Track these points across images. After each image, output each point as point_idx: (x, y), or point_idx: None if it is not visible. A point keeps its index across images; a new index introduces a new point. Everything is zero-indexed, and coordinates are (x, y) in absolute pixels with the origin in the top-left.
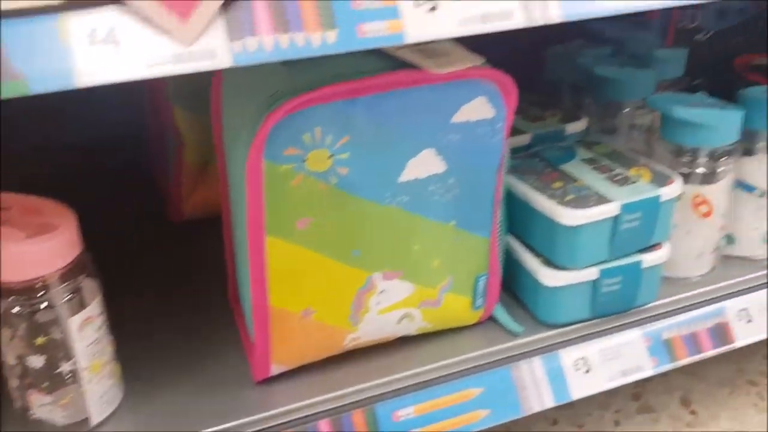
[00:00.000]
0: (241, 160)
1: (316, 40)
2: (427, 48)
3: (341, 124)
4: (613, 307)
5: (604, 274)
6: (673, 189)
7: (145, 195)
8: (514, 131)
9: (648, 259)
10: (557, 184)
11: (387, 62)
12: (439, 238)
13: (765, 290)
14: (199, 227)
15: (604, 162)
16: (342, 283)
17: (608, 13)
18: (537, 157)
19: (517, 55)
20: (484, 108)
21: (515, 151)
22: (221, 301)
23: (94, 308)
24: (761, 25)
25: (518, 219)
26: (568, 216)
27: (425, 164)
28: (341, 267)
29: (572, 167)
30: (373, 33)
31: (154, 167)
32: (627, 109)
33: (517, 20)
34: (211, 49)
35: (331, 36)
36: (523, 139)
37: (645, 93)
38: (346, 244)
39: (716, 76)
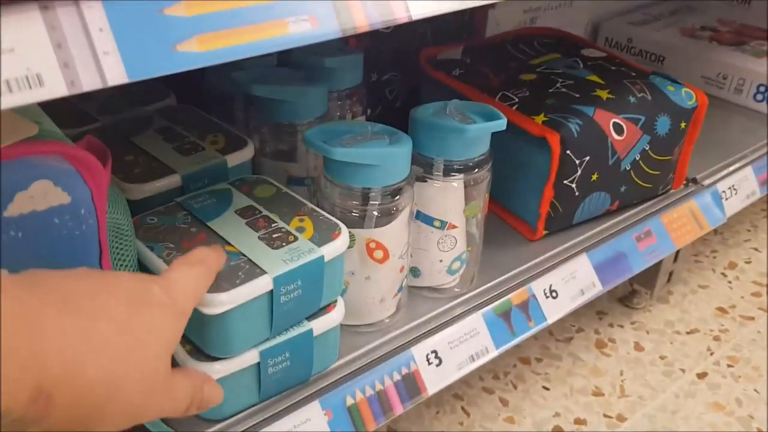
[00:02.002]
0: None
1: None
2: None
3: None
4: (285, 384)
5: (267, 354)
6: (338, 245)
7: None
8: (164, 170)
9: (319, 325)
10: None
11: None
12: None
13: (454, 326)
14: None
15: (262, 212)
16: None
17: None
18: (182, 210)
19: None
20: (52, 193)
21: (165, 196)
22: None
23: None
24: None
25: None
26: (211, 303)
27: None
28: None
29: (223, 224)
30: None
31: None
32: (300, 130)
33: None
34: None
35: None
36: (172, 182)
37: (318, 110)
38: None
39: (404, 72)
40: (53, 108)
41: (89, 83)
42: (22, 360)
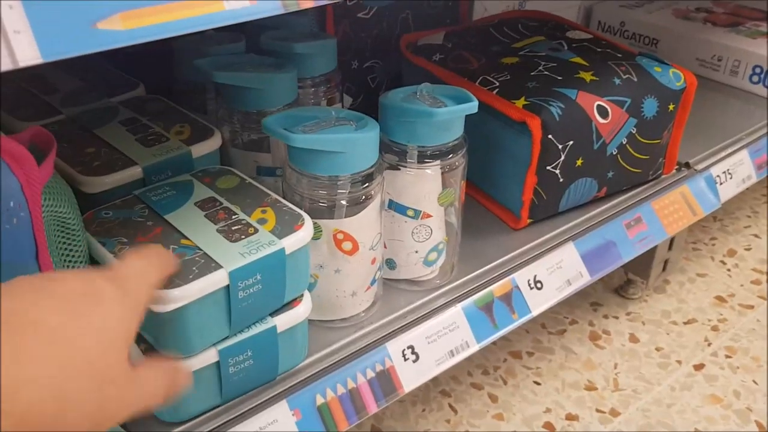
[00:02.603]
0: None
1: None
2: None
3: None
4: (249, 384)
5: (227, 352)
6: (301, 236)
7: None
8: (125, 162)
9: (283, 321)
10: None
11: None
12: None
13: (432, 320)
14: None
15: (223, 204)
16: None
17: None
18: (140, 203)
19: (148, 53)
20: None
21: (126, 189)
22: None
23: None
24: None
25: None
26: (163, 299)
27: None
28: None
29: (180, 217)
30: None
31: None
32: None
33: None
34: None
35: None
36: (133, 174)
37: (287, 97)
38: None
39: (386, 59)
40: (14, 101)
41: None
42: None
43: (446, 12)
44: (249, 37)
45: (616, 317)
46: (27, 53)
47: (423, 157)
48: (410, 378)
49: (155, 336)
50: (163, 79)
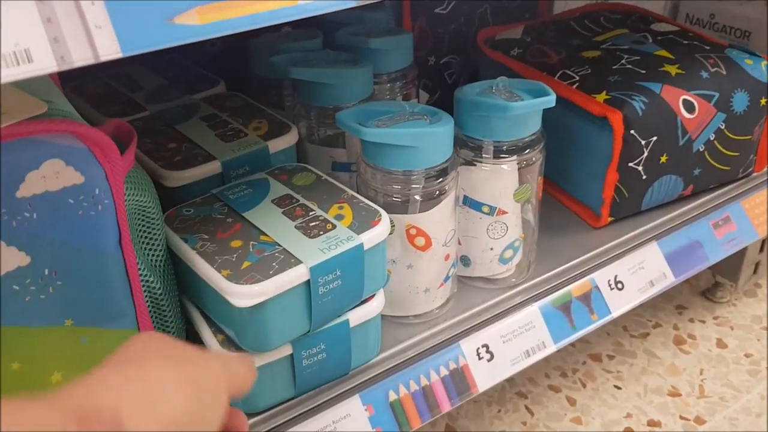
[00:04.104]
0: None
1: None
2: None
3: None
4: (323, 378)
5: (301, 345)
6: (378, 232)
7: None
8: (204, 157)
9: (356, 316)
10: (236, 244)
11: None
12: (52, 345)
13: (508, 319)
14: None
15: (299, 201)
16: None
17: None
18: (218, 201)
19: (227, 50)
20: (65, 173)
21: (205, 183)
22: None
23: None
24: None
25: (192, 288)
26: (242, 295)
27: None
28: None
29: (259, 214)
30: None
31: None
32: None
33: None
34: None
35: None
36: (212, 169)
37: (363, 93)
38: None
39: (463, 55)
40: (102, 98)
41: (80, 58)
42: None
43: (525, 7)
44: (325, 33)
45: (703, 321)
46: (108, 47)
47: (499, 153)
48: (484, 377)
49: (235, 331)
50: (243, 77)
